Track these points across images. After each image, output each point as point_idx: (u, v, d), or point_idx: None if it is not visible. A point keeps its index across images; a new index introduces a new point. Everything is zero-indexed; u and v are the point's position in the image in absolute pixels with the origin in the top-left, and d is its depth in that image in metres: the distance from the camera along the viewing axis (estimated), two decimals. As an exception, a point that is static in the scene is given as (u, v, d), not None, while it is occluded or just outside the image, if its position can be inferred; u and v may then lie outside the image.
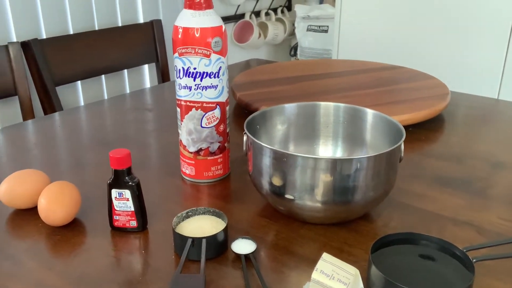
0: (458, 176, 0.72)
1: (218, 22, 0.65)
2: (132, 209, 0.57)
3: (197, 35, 0.63)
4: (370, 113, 0.66)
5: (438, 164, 0.77)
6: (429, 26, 1.69)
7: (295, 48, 2.70)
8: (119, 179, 0.56)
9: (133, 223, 0.58)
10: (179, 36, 0.64)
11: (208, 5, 0.64)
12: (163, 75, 1.74)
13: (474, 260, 0.46)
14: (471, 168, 0.75)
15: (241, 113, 0.99)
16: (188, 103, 0.66)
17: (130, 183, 0.57)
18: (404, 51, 1.76)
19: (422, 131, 0.89)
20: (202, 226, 0.55)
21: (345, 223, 0.59)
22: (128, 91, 1.81)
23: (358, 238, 0.57)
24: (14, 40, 1.42)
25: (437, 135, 0.89)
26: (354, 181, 0.54)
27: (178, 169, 0.73)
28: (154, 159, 0.80)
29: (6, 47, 1.32)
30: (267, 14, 2.54)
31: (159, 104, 1.10)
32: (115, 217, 0.58)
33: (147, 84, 1.88)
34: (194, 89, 0.65)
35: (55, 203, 0.58)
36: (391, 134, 0.62)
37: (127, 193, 0.56)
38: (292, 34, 2.61)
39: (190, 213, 0.57)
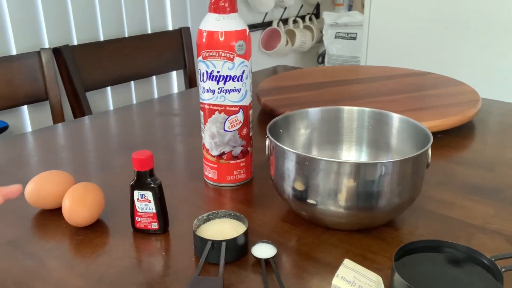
0: (487, 184, 0.70)
1: (242, 25, 0.64)
2: (154, 210, 0.57)
3: (221, 39, 0.63)
4: (396, 118, 0.64)
5: (467, 171, 0.74)
6: (459, 32, 1.66)
7: (322, 55, 2.69)
8: (141, 180, 0.57)
9: (155, 225, 0.58)
10: (203, 39, 0.64)
11: (233, 8, 0.64)
12: (190, 81, 1.76)
13: (502, 270, 0.44)
14: (501, 176, 0.72)
15: (265, 119, 0.99)
16: (211, 107, 0.67)
17: (152, 185, 0.57)
18: (434, 57, 1.72)
19: (452, 138, 0.86)
20: (223, 229, 0.55)
21: (369, 230, 0.58)
22: (156, 97, 1.83)
23: (382, 245, 0.55)
24: (46, 46, 1.46)
25: (466, 142, 0.86)
26: (378, 187, 0.53)
27: (201, 173, 0.73)
28: (178, 163, 0.80)
29: (39, 53, 1.36)
30: (295, 21, 2.54)
31: (185, 109, 1.11)
32: (137, 219, 0.58)
33: (175, 90, 1.91)
34: (218, 92, 0.65)
35: (79, 204, 0.59)
36: (418, 140, 0.61)
37: (149, 194, 0.57)
38: (320, 41, 2.60)
39: (211, 216, 0.57)
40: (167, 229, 0.59)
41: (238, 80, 0.65)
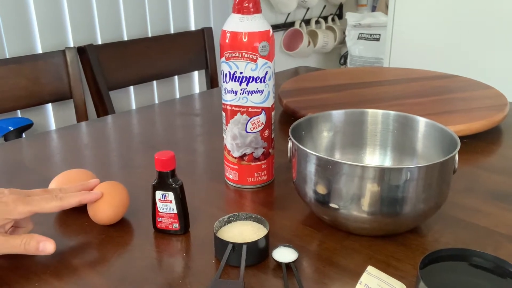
0: (517, 191, 0.68)
1: (266, 26, 0.64)
2: (175, 211, 0.57)
3: (244, 40, 0.63)
4: (422, 122, 0.63)
5: (495, 178, 0.72)
6: (486, 33, 1.62)
7: (345, 56, 2.67)
8: (163, 181, 0.57)
9: (176, 226, 0.58)
10: (227, 40, 0.64)
11: (257, 9, 0.63)
12: (212, 81, 1.76)
13: (534, 282, 0.42)
14: (532, 183, 0.70)
15: (287, 120, 0.98)
16: (233, 108, 0.66)
17: (173, 186, 0.57)
18: (459, 60, 1.69)
19: (478, 143, 0.84)
20: (244, 231, 0.55)
21: (393, 236, 0.57)
22: (177, 97, 1.84)
23: (406, 252, 0.54)
24: (71, 45, 1.48)
25: (494, 148, 0.84)
26: (403, 192, 0.52)
27: (222, 174, 0.73)
28: (199, 164, 0.80)
29: (64, 52, 1.38)
30: (317, 22, 2.52)
31: (207, 110, 1.11)
32: (158, 219, 0.58)
33: (196, 90, 1.91)
34: (240, 93, 0.65)
35: (105, 202, 0.59)
36: (444, 144, 0.59)
37: (170, 195, 0.57)
38: (342, 42, 2.58)
39: (232, 218, 0.57)
40: (188, 230, 0.59)
41: (261, 82, 0.65)
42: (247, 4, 0.63)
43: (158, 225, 0.59)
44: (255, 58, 0.63)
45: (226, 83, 0.66)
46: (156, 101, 1.78)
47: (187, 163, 0.79)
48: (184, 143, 0.89)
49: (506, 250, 0.54)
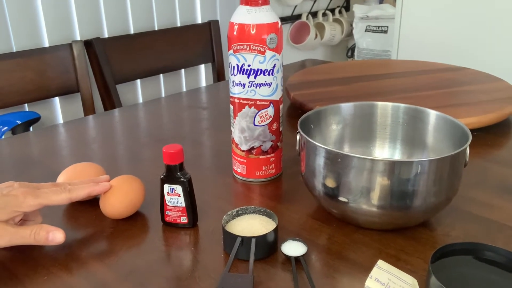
0: (528, 184, 0.67)
1: (274, 18, 0.63)
2: (183, 205, 0.57)
3: (252, 32, 0.62)
4: (432, 114, 0.62)
5: (506, 171, 0.71)
6: (495, 26, 1.60)
7: (352, 49, 2.65)
8: (172, 174, 0.56)
9: (184, 219, 0.58)
10: (235, 32, 0.63)
11: (265, 1, 0.63)
12: (219, 74, 1.76)
13: (547, 277, 0.42)
14: (543, 177, 0.69)
15: (295, 113, 0.98)
16: (241, 101, 0.66)
17: (182, 179, 0.56)
18: (468, 52, 1.67)
19: (488, 135, 0.83)
20: (252, 225, 0.54)
21: (403, 230, 0.56)
22: (184, 90, 1.84)
23: (417, 246, 0.54)
24: (78, 39, 1.48)
25: (504, 141, 0.83)
26: (414, 186, 0.51)
27: (230, 168, 0.73)
28: (207, 157, 0.80)
29: (70, 45, 1.38)
30: (324, 14, 2.50)
31: (213, 103, 1.10)
32: (167, 212, 0.58)
33: (203, 83, 1.91)
34: (248, 86, 0.64)
35: (115, 197, 0.58)
36: (455, 138, 0.59)
37: (178, 188, 0.56)
38: (350, 35, 2.56)
39: (240, 212, 0.56)
40: (196, 223, 0.59)
41: (269, 74, 0.64)
42: (255, -4, 0.62)
43: (167, 219, 0.58)
44: (263, 50, 0.63)
45: (234, 75, 0.65)
46: (163, 95, 1.78)
47: (194, 156, 0.79)
48: (191, 136, 0.89)
49: (517, 244, 0.54)
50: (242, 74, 0.64)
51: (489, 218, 0.59)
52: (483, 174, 0.71)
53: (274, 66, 0.64)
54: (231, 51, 0.64)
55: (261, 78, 0.64)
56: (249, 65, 0.63)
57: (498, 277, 0.44)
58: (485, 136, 0.83)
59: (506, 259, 0.45)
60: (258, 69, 0.63)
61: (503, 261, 0.45)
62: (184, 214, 0.58)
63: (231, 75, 0.66)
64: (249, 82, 0.64)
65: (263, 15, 0.62)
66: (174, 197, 0.57)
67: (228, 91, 1.19)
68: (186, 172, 0.57)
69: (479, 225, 0.58)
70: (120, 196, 0.58)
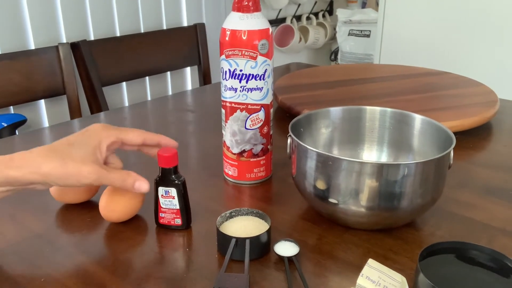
0: (507, 185, 0.70)
1: (266, 24, 0.65)
2: (178, 207, 0.58)
3: (244, 38, 0.64)
4: (418, 119, 0.64)
5: (487, 173, 0.74)
6: (476, 31, 1.65)
7: (335, 52, 2.68)
8: (166, 177, 0.57)
9: (178, 221, 0.59)
10: (227, 38, 0.64)
11: (256, 8, 0.64)
12: (205, 77, 1.77)
13: (528, 273, 0.44)
14: (522, 178, 0.72)
15: (281, 117, 0.99)
16: (233, 105, 0.67)
17: (176, 182, 0.58)
18: (449, 57, 1.72)
19: (470, 139, 0.86)
20: (246, 226, 0.56)
21: (390, 230, 0.58)
22: (170, 93, 1.84)
23: (404, 246, 0.56)
24: (64, 41, 1.48)
25: (485, 144, 0.86)
26: (401, 187, 0.53)
27: (220, 170, 0.74)
28: (195, 160, 0.81)
29: (57, 47, 1.37)
30: (308, 18, 2.53)
31: (200, 106, 1.11)
32: (161, 214, 0.59)
33: (189, 86, 1.92)
34: (240, 90, 0.66)
35: (117, 201, 0.59)
36: (440, 141, 0.61)
37: (173, 191, 0.57)
38: (333, 38, 2.60)
39: (234, 214, 0.58)
40: (190, 225, 0.60)
41: (260, 79, 0.66)
42: (247, 3, 0.63)
43: (161, 221, 0.59)
44: (255, 56, 0.64)
45: (226, 80, 0.66)
46: (149, 97, 1.78)
47: (184, 159, 0.80)
48: (180, 139, 0.90)
49: (500, 243, 0.56)
50: (234, 78, 0.65)
51: (472, 218, 0.61)
52: (466, 176, 0.73)
53: (265, 71, 0.66)
54: (223, 56, 0.66)
55: (252, 83, 0.65)
56: (241, 70, 0.65)
57: (483, 275, 0.46)
58: (467, 139, 0.86)
59: (490, 257, 0.47)
60: (249, 74, 0.65)
61: (488, 259, 0.47)
62: (178, 216, 0.59)
63: (223, 79, 0.67)
64: (241, 87, 0.66)
65: (254, 22, 0.64)
66: (169, 199, 0.58)
67: (215, 95, 1.20)
68: (180, 175, 0.59)
69: (463, 225, 0.60)
70: (120, 201, 0.59)
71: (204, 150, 0.85)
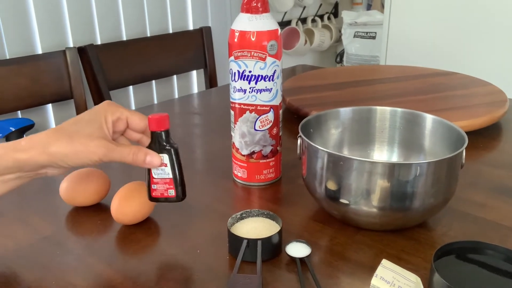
0: (520, 185, 0.69)
1: (274, 25, 0.65)
2: (170, 176, 0.54)
3: (253, 39, 0.63)
4: (429, 118, 0.64)
5: (498, 172, 0.73)
6: (482, 31, 1.64)
7: (341, 54, 2.68)
8: (158, 142, 0.54)
9: (171, 192, 0.55)
10: (235, 39, 0.64)
11: (265, 9, 0.64)
12: (211, 80, 1.77)
13: (544, 273, 0.43)
14: (534, 178, 0.71)
15: (289, 118, 0.99)
16: (242, 106, 0.67)
17: (167, 147, 0.54)
18: (456, 57, 1.71)
19: (480, 138, 0.86)
20: (256, 228, 0.55)
21: (402, 231, 0.58)
22: (176, 96, 1.85)
23: (416, 246, 0.55)
24: (71, 45, 1.48)
25: (495, 143, 0.85)
26: (413, 187, 0.53)
27: (229, 172, 0.74)
28: (204, 162, 0.81)
29: (64, 52, 1.38)
30: (313, 20, 2.53)
31: (207, 109, 1.11)
32: (153, 186, 0.55)
33: (195, 89, 1.92)
34: (249, 92, 0.66)
35: (129, 204, 0.59)
36: (451, 141, 0.61)
37: (165, 158, 0.54)
38: (338, 40, 2.59)
39: (244, 215, 0.58)
40: (184, 197, 0.56)
41: (269, 80, 0.65)
42: (255, 4, 0.63)
43: (153, 193, 0.56)
44: (264, 56, 0.64)
45: (235, 81, 0.66)
46: (155, 100, 1.78)
47: (193, 161, 0.80)
48: (188, 142, 0.90)
49: (513, 242, 0.56)
50: (243, 80, 0.65)
51: (484, 218, 0.61)
52: (476, 175, 0.73)
53: (274, 72, 0.65)
54: (232, 58, 0.66)
55: (261, 84, 0.65)
56: (250, 71, 0.65)
57: (498, 274, 0.45)
58: (477, 139, 0.85)
59: (505, 256, 0.46)
60: (259, 75, 0.65)
61: (503, 258, 0.46)
62: (172, 186, 0.55)
63: (232, 81, 0.67)
64: (250, 88, 0.65)
65: (263, 23, 0.64)
66: (161, 168, 0.54)
67: (222, 97, 1.20)
68: (174, 141, 0.55)
69: (475, 224, 0.60)
70: (132, 203, 0.59)
71: (212, 152, 0.84)
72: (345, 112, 0.68)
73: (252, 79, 0.65)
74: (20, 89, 1.30)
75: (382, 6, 2.47)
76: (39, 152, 0.49)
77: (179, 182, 0.55)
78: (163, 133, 0.54)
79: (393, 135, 0.67)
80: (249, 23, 0.64)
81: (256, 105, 0.66)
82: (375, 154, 0.69)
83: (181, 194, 0.56)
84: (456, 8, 1.69)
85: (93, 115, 0.54)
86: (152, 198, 0.56)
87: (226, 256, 0.54)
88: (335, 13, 2.69)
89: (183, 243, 0.57)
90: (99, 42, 1.54)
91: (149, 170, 0.55)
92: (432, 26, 1.76)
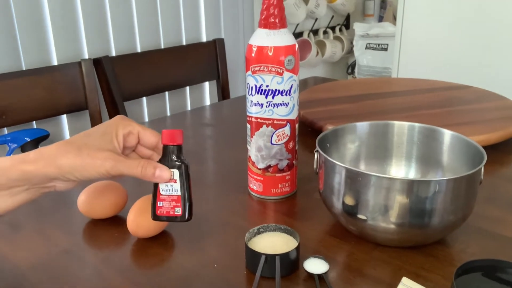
0: (539, 202, 0.68)
1: (292, 40, 0.65)
2: (179, 193, 0.53)
3: (270, 54, 0.64)
4: (447, 134, 0.64)
5: (516, 188, 0.73)
6: (495, 44, 1.63)
7: (352, 66, 2.68)
8: (169, 157, 0.53)
9: (178, 211, 0.53)
10: (253, 54, 0.65)
11: (283, 24, 0.65)
12: (224, 92, 1.78)
13: None
14: (553, 194, 0.71)
15: (303, 131, 0.99)
16: (258, 120, 0.67)
17: (178, 163, 0.53)
18: (469, 71, 1.70)
19: (496, 153, 0.85)
20: (274, 243, 0.55)
21: (420, 247, 0.57)
22: (189, 107, 1.86)
23: (435, 263, 0.55)
24: (86, 57, 1.50)
25: (511, 158, 0.85)
26: (431, 204, 0.52)
27: (243, 185, 0.74)
28: (217, 175, 0.81)
29: (79, 63, 1.39)
30: (325, 32, 2.54)
31: (220, 121, 1.12)
32: (159, 203, 0.53)
33: (207, 101, 1.93)
34: (266, 106, 0.66)
35: (145, 216, 0.58)
36: (468, 157, 0.60)
37: (175, 173, 0.52)
38: (350, 52, 2.59)
39: (261, 230, 0.58)
40: (191, 218, 0.54)
41: (286, 94, 0.66)
42: (273, 20, 0.64)
43: (158, 211, 0.53)
44: (281, 71, 0.64)
45: (252, 96, 0.67)
46: (168, 112, 1.79)
47: (207, 174, 0.80)
48: (200, 154, 0.90)
49: (533, 260, 0.55)
50: (260, 94, 0.66)
51: (503, 235, 0.60)
52: (494, 191, 0.72)
53: (291, 87, 0.66)
54: (249, 72, 0.66)
55: (278, 98, 0.66)
56: (267, 86, 0.65)
57: (519, 294, 0.45)
58: (493, 153, 0.85)
59: (525, 275, 0.46)
60: (276, 90, 0.65)
61: (522, 277, 0.46)
62: (179, 204, 0.53)
63: (249, 95, 0.67)
64: (267, 102, 0.66)
65: (281, 38, 0.64)
66: (170, 184, 0.53)
67: (234, 109, 1.21)
68: (185, 158, 0.54)
69: (494, 241, 0.59)
70: (149, 216, 0.59)
71: (226, 165, 0.85)
72: (362, 126, 0.68)
73: (269, 94, 0.65)
74: (35, 100, 1.32)
75: (394, 18, 2.47)
76: (47, 163, 0.49)
77: (187, 200, 0.53)
78: (175, 148, 0.53)
79: (411, 150, 0.67)
80: (266, 38, 0.64)
81: (273, 119, 0.67)
82: (392, 169, 0.69)
83: (188, 213, 0.53)
84: (469, 21, 1.68)
85: (104, 128, 0.54)
86: (156, 216, 0.54)
87: (244, 271, 0.54)
88: (347, 24, 2.70)
89: (200, 257, 0.57)
90: (114, 54, 1.56)
91: (156, 186, 0.53)
92: (444, 38, 1.76)
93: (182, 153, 0.54)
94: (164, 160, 0.53)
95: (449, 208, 0.53)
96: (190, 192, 0.54)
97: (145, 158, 0.58)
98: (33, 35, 1.37)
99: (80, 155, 0.49)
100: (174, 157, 0.53)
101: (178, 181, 0.53)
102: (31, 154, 0.50)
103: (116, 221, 0.65)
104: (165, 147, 0.53)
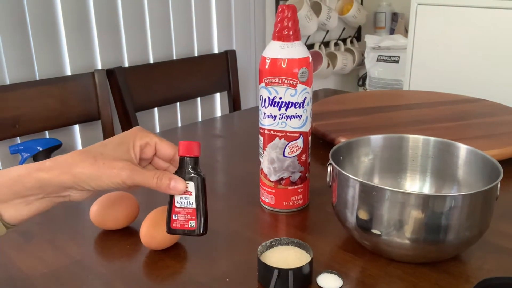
0: (556, 218, 0.67)
1: (305, 53, 0.65)
2: (194, 205, 0.52)
3: (284, 66, 0.64)
4: (463, 149, 0.63)
5: (532, 204, 0.72)
6: (508, 57, 1.62)
7: (363, 78, 2.68)
8: (185, 168, 0.52)
9: (192, 224, 0.52)
10: (266, 66, 0.65)
11: (296, 37, 0.65)
12: (235, 103, 1.78)
13: None
14: None
15: (315, 143, 0.99)
16: (271, 132, 0.67)
17: (195, 175, 0.52)
18: (481, 83, 1.69)
19: (510, 168, 0.84)
20: (287, 257, 0.55)
21: (435, 263, 0.57)
22: (200, 118, 1.86)
23: (450, 280, 0.54)
24: (99, 67, 1.51)
25: (527, 173, 0.83)
26: (447, 220, 0.52)
27: (257, 197, 0.74)
28: (228, 186, 0.81)
29: (93, 74, 1.41)
30: (336, 44, 2.54)
31: (231, 132, 1.12)
32: (174, 216, 0.53)
33: (218, 112, 1.93)
34: (279, 118, 0.66)
35: (159, 228, 0.58)
36: (484, 171, 0.59)
37: (191, 185, 0.52)
38: (361, 64, 2.59)
39: (274, 243, 0.57)
40: (206, 232, 0.53)
41: (299, 107, 0.66)
42: (287, 32, 0.64)
43: (173, 224, 0.53)
44: (294, 84, 0.64)
45: (265, 108, 0.67)
46: (179, 122, 1.80)
47: (218, 185, 0.80)
48: (211, 166, 0.90)
49: (552, 279, 0.54)
50: (273, 106, 0.66)
51: (520, 252, 0.59)
52: (508, 206, 0.71)
53: (304, 99, 0.66)
54: (262, 84, 0.66)
55: (292, 111, 0.65)
56: (280, 98, 0.65)
57: (538, 313, 0.44)
58: (507, 168, 0.83)
59: (544, 294, 0.45)
60: (289, 102, 0.65)
61: (542, 296, 0.45)
62: (193, 217, 0.52)
63: (262, 107, 0.67)
64: (280, 114, 0.66)
65: (295, 50, 0.64)
66: (185, 196, 0.52)
67: (245, 121, 1.21)
68: (202, 171, 0.53)
69: (510, 257, 0.58)
70: (162, 228, 0.58)
71: (237, 177, 0.84)
72: (376, 139, 0.68)
73: (282, 106, 0.65)
74: (48, 110, 1.33)
75: (406, 30, 2.47)
76: (62, 172, 0.49)
77: (202, 213, 0.52)
78: (192, 160, 0.53)
79: (425, 164, 0.67)
80: (280, 50, 0.64)
81: (286, 132, 0.66)
82: (407, 183, 0.68)
83: (203, 227, 0.52)
84: (480, 33, 1.67)
85: (121, 139, 0.54)
86: (170, 230, 0.53)
87: (256, 285, 0.54)
88: (358, 37, 2.70)
89: (212, 270, 0.57)
90: (126, 65, 1.57)
91: (171, 199, 0.53)
92: (456, 52, 1.75)
93: (198, 166, 0.53)
94: (180, 171, 0.52)
95: (465, 224, 0.52)
96: (205, 205, 0.53)
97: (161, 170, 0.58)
98: (47, 45, 1.39)
99: (95, 164, 0.49)
100: (190, 169, 0.52)
101: (193, 193, 0.52)
102: (47, 162, 0.50)
103: (128, 232, 0.65)
104: (182, 159, 0.53)
